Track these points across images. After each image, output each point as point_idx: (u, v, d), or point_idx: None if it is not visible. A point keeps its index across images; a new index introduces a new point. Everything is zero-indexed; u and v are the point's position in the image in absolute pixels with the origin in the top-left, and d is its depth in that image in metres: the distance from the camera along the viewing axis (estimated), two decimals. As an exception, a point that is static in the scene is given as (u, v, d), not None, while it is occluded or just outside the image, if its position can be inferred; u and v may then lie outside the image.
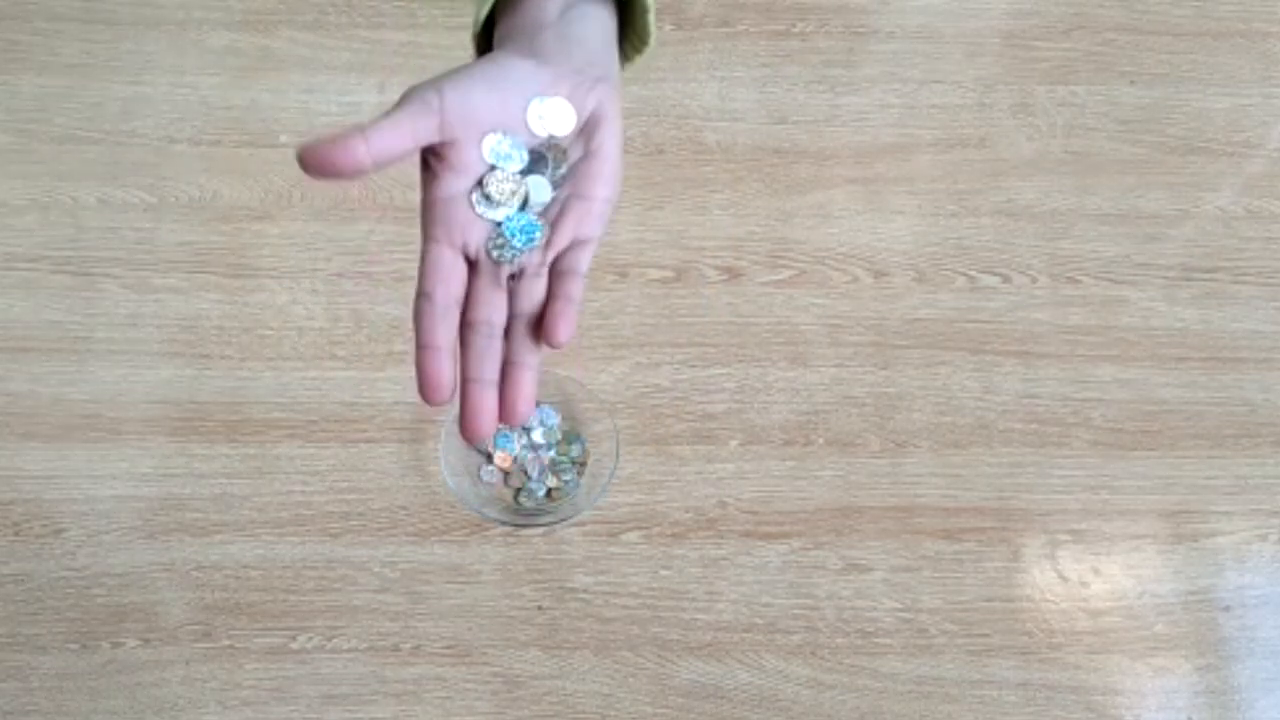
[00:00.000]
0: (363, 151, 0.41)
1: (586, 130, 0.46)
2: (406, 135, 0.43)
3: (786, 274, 0.97)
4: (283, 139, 1.02)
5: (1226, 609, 0.84)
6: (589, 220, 0.45)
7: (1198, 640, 0.83)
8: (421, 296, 0.43)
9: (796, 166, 1.02)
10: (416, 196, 0.82)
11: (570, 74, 0.45)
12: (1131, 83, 1.08)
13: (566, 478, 0.88)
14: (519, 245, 0.44)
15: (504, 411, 0.42)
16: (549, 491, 0.88)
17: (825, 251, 0.98)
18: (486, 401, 0.42)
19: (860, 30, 1.10)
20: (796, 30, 1.10)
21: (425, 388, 0.42)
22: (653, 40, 0.50)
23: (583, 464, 0.89)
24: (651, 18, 0.49)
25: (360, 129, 0.42)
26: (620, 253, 0.97)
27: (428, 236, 0.44)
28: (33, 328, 0.93)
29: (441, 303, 0.43)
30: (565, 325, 0.43)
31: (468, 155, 0.44)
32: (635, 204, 1.00)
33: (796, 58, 1.08)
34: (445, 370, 0.42)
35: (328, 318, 0.93)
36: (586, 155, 0.46)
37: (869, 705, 0.80)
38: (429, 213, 0.45)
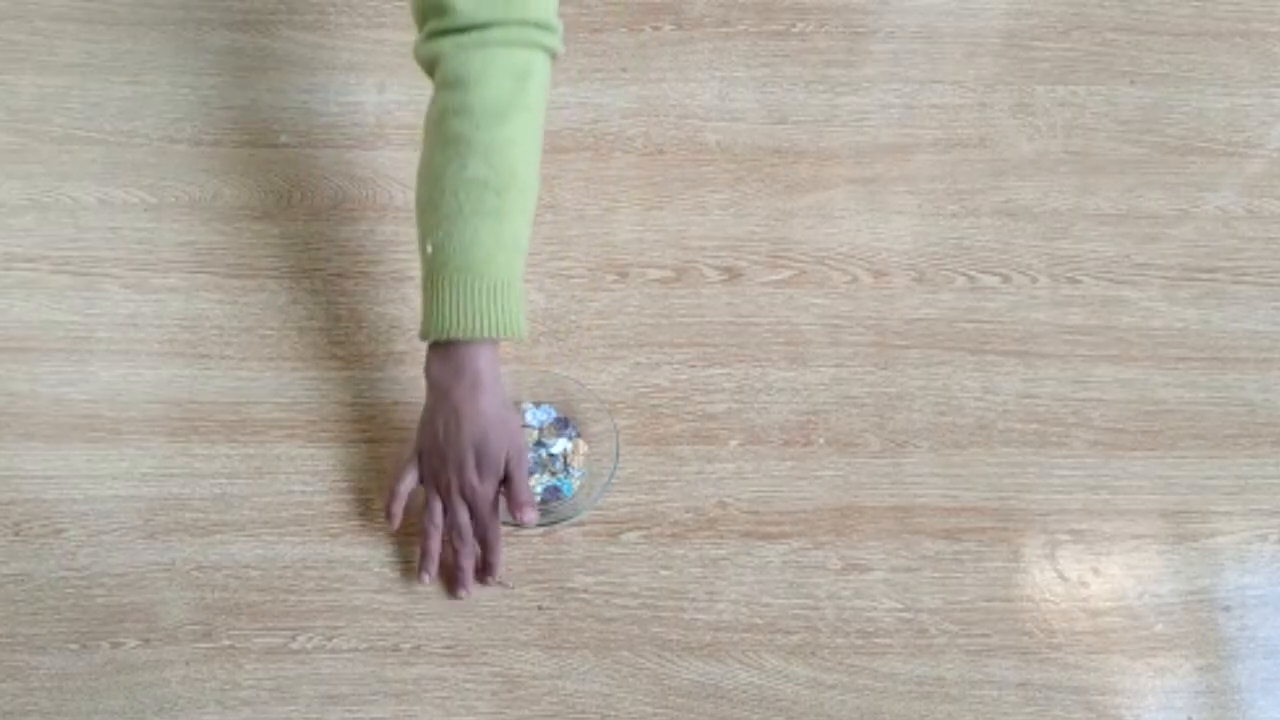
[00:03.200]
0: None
1: None
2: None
3: (786, 274, 0.97)
4: (283, 139, 1.02)
5: (1226, 609, 0.84)
6: None
7: (1198, 640, 0.83)
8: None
9: (796, 166, 1.02)
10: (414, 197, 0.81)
11: None
12: (1131, 83, 1.08)
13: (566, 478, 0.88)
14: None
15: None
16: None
17: (825, 251, 0.98)
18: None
19: (860, 30, 1.10)
20: (796, 30, 1.10)
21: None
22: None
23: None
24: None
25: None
26: (620, 253, 0.97)
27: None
28: (33, 328, 0.93)
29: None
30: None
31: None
32: (635, 204, 1.00)
33: (796, 58, 1.08)
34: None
35: (328, 318, 0.93)
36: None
37: (869, 705, 0.80)
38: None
